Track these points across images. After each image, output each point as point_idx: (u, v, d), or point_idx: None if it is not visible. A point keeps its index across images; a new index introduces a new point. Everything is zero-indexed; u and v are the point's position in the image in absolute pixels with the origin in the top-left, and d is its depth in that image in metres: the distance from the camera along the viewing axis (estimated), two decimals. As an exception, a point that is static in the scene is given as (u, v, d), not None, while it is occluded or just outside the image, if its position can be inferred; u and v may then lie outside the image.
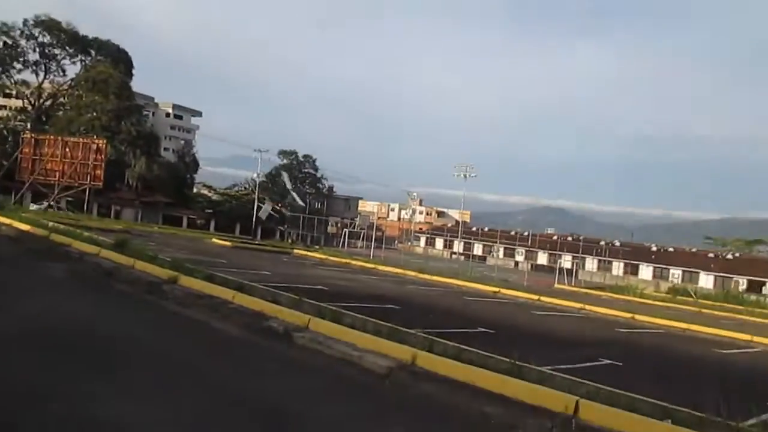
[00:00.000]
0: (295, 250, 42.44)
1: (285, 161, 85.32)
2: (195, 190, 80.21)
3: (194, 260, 18.94)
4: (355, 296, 18.55)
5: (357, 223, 64.82)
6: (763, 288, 58.52)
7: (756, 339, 21.36)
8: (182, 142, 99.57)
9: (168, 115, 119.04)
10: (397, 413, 7.01)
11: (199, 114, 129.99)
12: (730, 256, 70.19)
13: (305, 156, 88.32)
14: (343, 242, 59.66)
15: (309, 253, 41.22)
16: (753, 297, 54.20)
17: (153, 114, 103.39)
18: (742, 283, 60.21)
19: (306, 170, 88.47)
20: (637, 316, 24.33)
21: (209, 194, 79.59)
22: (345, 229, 63.16)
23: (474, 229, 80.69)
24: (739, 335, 21.95)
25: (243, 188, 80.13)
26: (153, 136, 71.66)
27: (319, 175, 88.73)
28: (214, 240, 40.09)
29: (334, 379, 8.11)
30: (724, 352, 18.18)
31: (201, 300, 11.77)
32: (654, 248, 73.67)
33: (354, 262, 36.78)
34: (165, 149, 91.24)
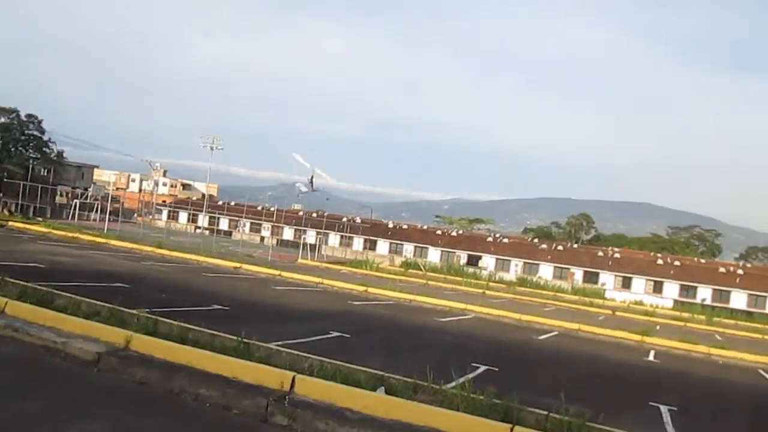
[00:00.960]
0: (11, 223, 37.39)
1: (2, 119, 74.36)
2: None
3: None
4: (77, 274, 16.85)
5: (90, 193, 59.22)
6: (480, 261, 66.20)
7: (469, 307, 23.93)
8: None
9: None
10: (99, 404, 6.34)
11: None
12: (455, 233, 78.31)
13: (29, 116, 77.92)
14: (73, 214, 54.12)
15: (29, 226, 36.62)
16: (471, 269, 61.09)
17: None
18: (463, 257, 67.43)
19: (30, 132, 78.15)
20: (370, 289, 25.78)
21: None
22: (76, 200, 57.33)
23: (221, 203, 78.75)
24: (457, 304, 24.39)
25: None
26: None
27: (46, 138, 78.96)
28: None
29: (29, 370, 7.11)
30: (444, 320, 20.03)
31: None
32: (391, 225, 79.23)
33: (83, 236, 33.50)
34: None
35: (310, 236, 58.95)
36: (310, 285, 26.12)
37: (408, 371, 8.31)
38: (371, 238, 69.59)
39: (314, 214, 75.61)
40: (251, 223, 72.43)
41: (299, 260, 44.75)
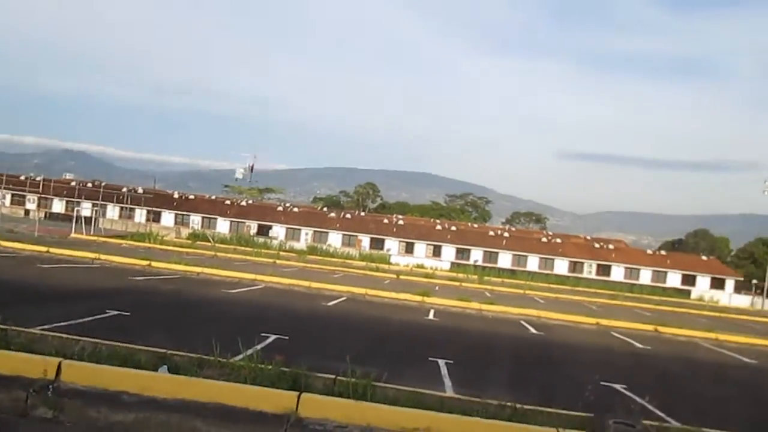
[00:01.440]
0: None
1: None
2: None
3: None
4: None
5: None
6: (270, 231, 65.93)
7: (259, 277, 23.70)
8: None
9: None
10: None
11: None
12: (244, 203, 76.95)
13: None
14: None
15: None
16: (261, 240, 60.61)
17: None
18: (254, 227, 66.62)
19: None
20: (154, 263, 24.39)
21: None
22: None
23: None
24: (247, 275, 24.01)
25: None
26: None
27: None
28: None
29: None
30: (233, 291, 19.58)
31: None
32: (176, 195, 75.53)
33: None
34: None
35: (85, 209, 54.03)
36: (84, 261, 23.97)
37: (193, 347, 7.95)
38: (155, 209, 65.76)
39: (89, 185, 69.49)
40: (13, 194, 64.54)
41: (72, 235, 40.86)
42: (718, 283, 65.14)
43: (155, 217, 65.23)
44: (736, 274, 70.58)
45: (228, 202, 76.44)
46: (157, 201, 66.94)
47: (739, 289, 66.70)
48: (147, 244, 40.61)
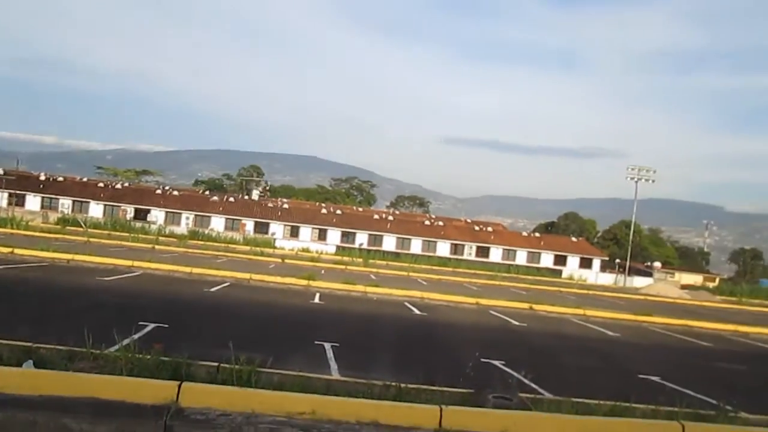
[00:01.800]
0: None
1: None
2: None
3: None
4: None
5: None
6: (149, 215, 63.11)
7: (137, 263, 22.66)
8: None
9: None
10: None
11: None
12: (119, 186, 73.07)
13: None
14: None
15: None
16: (138, 224, 57.91)
17: None
18: (130, 211, 63.50)
19: None
20: (18, 251, 22.70)
21: None
22: None
23: None
24: (123, 261, 22.87)
25: None
26: None
27: None
28: None
29: None
30: (108, 279, 18.60)
31: None
32: (43, 177, 70.34)
33: None
34: None
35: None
36: (-65, 249, 21.87)
37: (63, 339, 7.46)
38: (18, 192, 60.91)
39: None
40: None
41: None
42: (586, 263, 69.78)
43: (18, 201, 60.45)
44: (602, 254, 75.96)
45: (101, 184, 72.33)
46: (20, 183, 61.93)
47: (604, 268, 71.89)
48: (8, 230, 37.71)
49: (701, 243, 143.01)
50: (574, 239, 79.01)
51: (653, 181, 70.25)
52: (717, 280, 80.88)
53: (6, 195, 59.62)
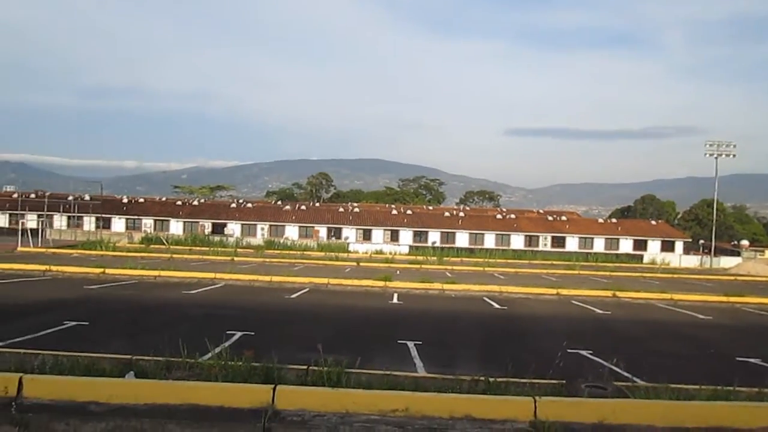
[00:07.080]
0: None
1: None
2: None
3: None
4: None
5: None
6: (225, 228, 64.98)
7: (219, 276, 23.36)
8: None
9: None
10: None
11: None
12: (196, 202, 75.60)
13: None
14: None
15: None
16: (217, 238, 59.73)
17: None
18: (208, 226, 65.56)
19: None
20: (109, 270, 23.77)
21: None
22: None
23: None
24: (205, 274, 23.64)
25: None
26: None
27: None
28: None
29: None
30: (193, 292, 19.24)
31: None
32: (125, 200, 73.63)
33: None
34: None
35: (31, 220, 52.31)
36: (35, 274, 23.18)
37: (159, 351, 7.77)
38: (104, 215, 63.99)
39: (32, 195, 67.16)
40: (-50, 211, 62.02)
41: (19, 248, 39.52)
42: (668, 246, 67.15)
43: (105, 224, 63.50)
44: (684, 235, 72.94)
45: (179, 202, 74.98)
46: (105, 207, 65.06)
47: (687, 250, 68.96)
48: (99, 252, 39.54)
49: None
50: (653, 222, 76.22)
51: (734, 156, 66.92)
52: (813, 254, 76.22)
53: (94, 219, 62.71)
